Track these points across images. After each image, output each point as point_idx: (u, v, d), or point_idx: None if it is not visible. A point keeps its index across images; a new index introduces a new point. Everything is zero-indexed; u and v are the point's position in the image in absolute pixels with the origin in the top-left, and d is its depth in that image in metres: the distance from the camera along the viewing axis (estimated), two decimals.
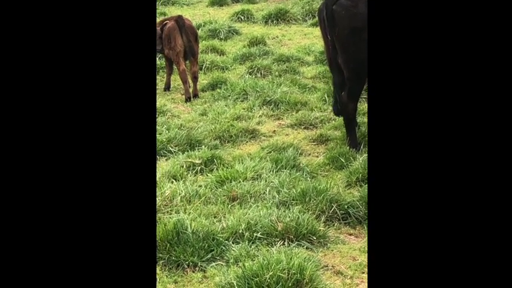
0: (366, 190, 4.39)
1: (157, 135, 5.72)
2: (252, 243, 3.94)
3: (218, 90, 7.31)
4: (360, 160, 5.04)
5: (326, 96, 6.77)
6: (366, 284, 3.43)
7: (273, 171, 4.98)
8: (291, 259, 3.53)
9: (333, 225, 4.28)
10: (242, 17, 10.65)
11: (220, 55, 8.65)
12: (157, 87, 7.64)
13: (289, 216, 4.11)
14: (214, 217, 4.30)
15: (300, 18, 10.55)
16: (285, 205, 4.40)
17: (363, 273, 3.72)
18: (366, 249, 3.83)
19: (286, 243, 3.95)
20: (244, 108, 6.67)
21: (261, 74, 7.72)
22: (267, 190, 4.62)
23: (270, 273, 3.43)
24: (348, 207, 4.36)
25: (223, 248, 3.91)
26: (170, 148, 5.63)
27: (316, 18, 7.39)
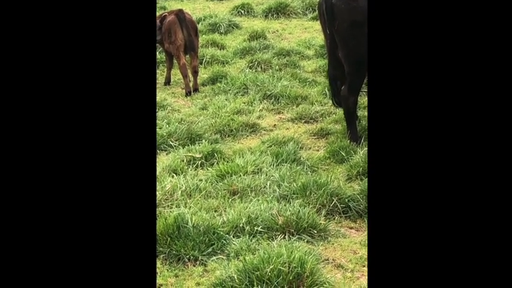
0: (367, 184, 4.39)
1: (157, 129, 5.72)
2: (253, 237, 3.94)
3: (218, 84, 7.30)
4: (361, 154, 5.04)
5: (326, 90, 6.76)
6: (367, 278, 3.43)
7: (273, 165, 4.99)
8: (291, 253, 3.54)
9: (334, 218, 4.28)
10: (242, 11, 10.63)
11: (220, 49, 8.64)
12: (158, 81, 7.63)
13: (289, 210, 4.11)
14: (215, 211, 4.31)
15: (300, 12, 10.54)
16: (286, 199, 4.40)
17: (363, 266, 3.72)
18: (367, 242, 3.83)
19: (286, 236, 3.96)
20: (244, 103, 6.67)
21: (261, 68, 7.71)
22: (268, 184, 4.63)
23: (271, 267, 3.43)
24: (348, 200, 4.37)
25: (224, 241, 3.91)
26: (171, 142, 5.63)
27: (317, 12, 7.38)
